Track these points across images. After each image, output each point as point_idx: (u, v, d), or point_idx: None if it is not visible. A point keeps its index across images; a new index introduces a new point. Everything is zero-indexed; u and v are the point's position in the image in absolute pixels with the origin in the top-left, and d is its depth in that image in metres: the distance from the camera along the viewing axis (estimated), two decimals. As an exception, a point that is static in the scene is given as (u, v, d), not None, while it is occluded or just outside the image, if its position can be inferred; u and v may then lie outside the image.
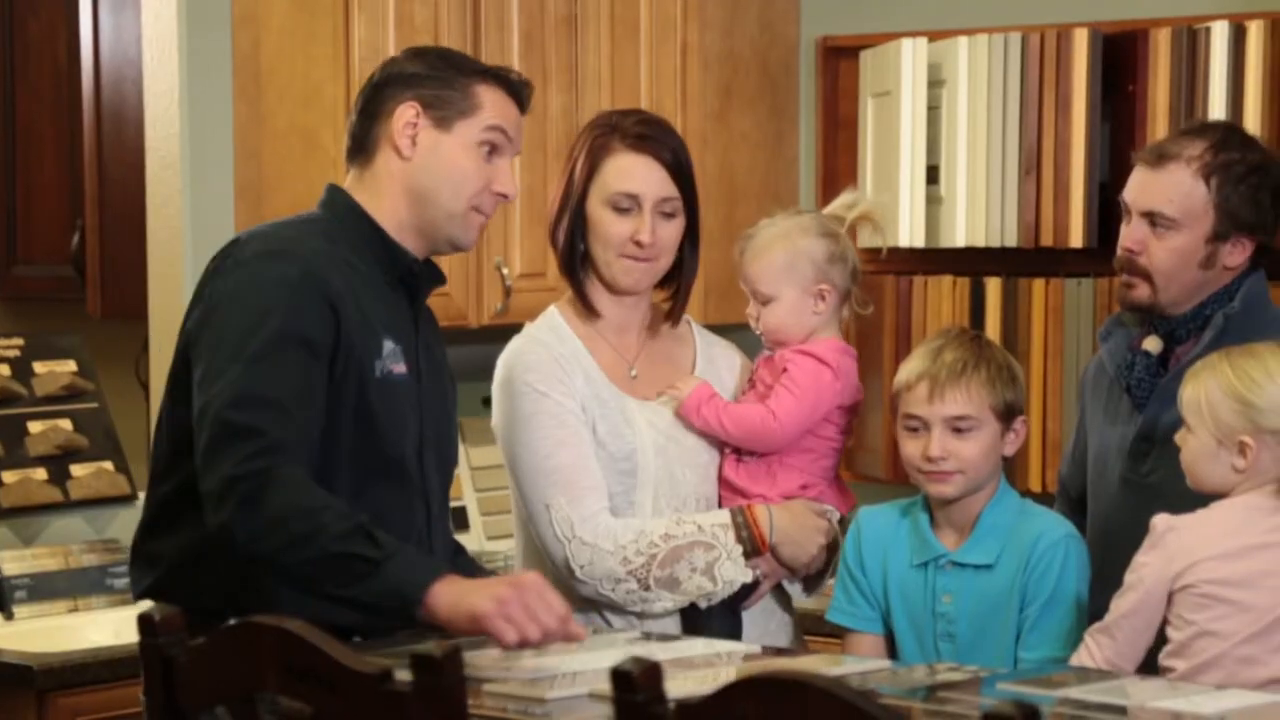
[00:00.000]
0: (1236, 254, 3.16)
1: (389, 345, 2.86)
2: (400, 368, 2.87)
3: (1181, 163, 3.13)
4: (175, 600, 2.80)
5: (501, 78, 2.93)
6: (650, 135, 3.19)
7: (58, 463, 4.15)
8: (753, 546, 3.15)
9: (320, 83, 4.10)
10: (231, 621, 2.37)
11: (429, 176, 2.89)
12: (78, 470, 4.18)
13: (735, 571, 3.14)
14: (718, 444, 3.25)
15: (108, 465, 4.19)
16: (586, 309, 3.22)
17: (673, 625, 3.14)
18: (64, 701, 3.61)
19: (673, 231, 3.20)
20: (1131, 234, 3.16)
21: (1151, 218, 3.14)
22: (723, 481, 3.26)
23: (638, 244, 3.16)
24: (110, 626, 3.91)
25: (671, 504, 3.20)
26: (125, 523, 4.12)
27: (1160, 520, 2.83)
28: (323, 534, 2.65)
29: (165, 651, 2.39)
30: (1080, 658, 2.87)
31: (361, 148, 2.93)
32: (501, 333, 4.34)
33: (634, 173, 3.17)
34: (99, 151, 4.92)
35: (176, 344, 2.88)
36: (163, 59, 4.22)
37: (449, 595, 2.64)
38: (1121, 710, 2.51)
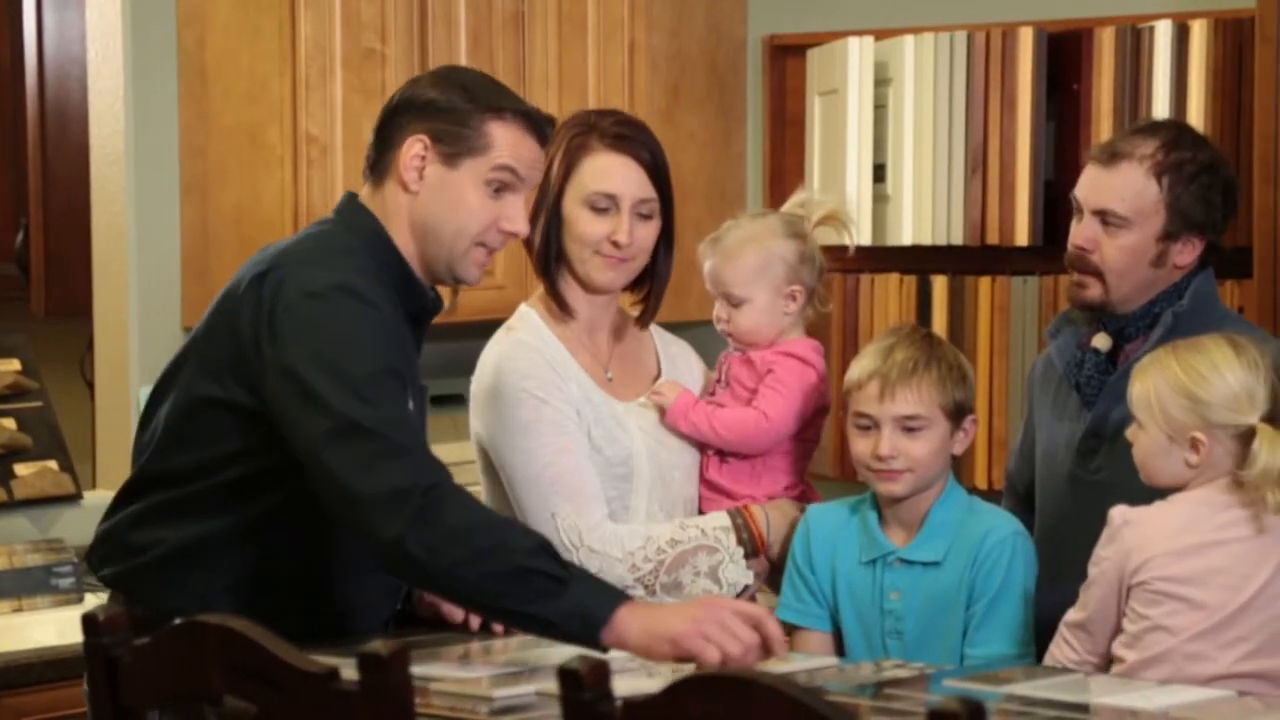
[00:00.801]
0: (1187, 253, 3.18)
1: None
2: (411, 404, 2.84)
3: (1134, 161, 3.14)
4: (145, 594, 2.80)
5: (519, 113, 2.86)
6: (629, 136, 3.19)
7: (1, 462, 4.12)
8: (752, 548, 3.16)
9: (266, 79, 4.08)
10: (176, 621, 2.36)
11: (433, 212, 2.85)
12: (22, 470, 4.15)
13: (738, 574, 3.15)
14: (699, 445, 3.25)
15: (52, 465, 4.16)
16: (562, 309, 3.21)
17: None
18: (8, 702, 3.59)
19: (649, 233, 3.19)
20: (1083, 232, 3.18)
21: (1103, 216, 3.16)
22: (706, 483, 3.26)
23: (615, 244, 3.15)
24: (54, 626, 3.89)
25: (664, 507, 3.20)
26: (70, 522, 4.09)
27: (1117, 513, 2.83)
28: (508, 548, 2.63)
29: (110, 651, 2.38)
30: (1058, 653, 2.86)
31: (375, 169, 2.90)
32: (451, 331, 4.33)
33: (613, 173, 3.16)
34: (43, 149, 4.89)
35: (212, 331, 2.82)
36: (107, 56, 4.20)
37: (640, 620, 2.62)
38: (1066, 706, 2.52)
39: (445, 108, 2.84)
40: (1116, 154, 3.15)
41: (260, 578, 2.81)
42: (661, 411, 3.23)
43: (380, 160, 2.88)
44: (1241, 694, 2.67)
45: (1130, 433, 2.90)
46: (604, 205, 3.16)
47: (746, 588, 3.17)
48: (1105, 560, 2.83)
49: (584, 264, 3.17)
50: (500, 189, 2.85)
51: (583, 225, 3.16)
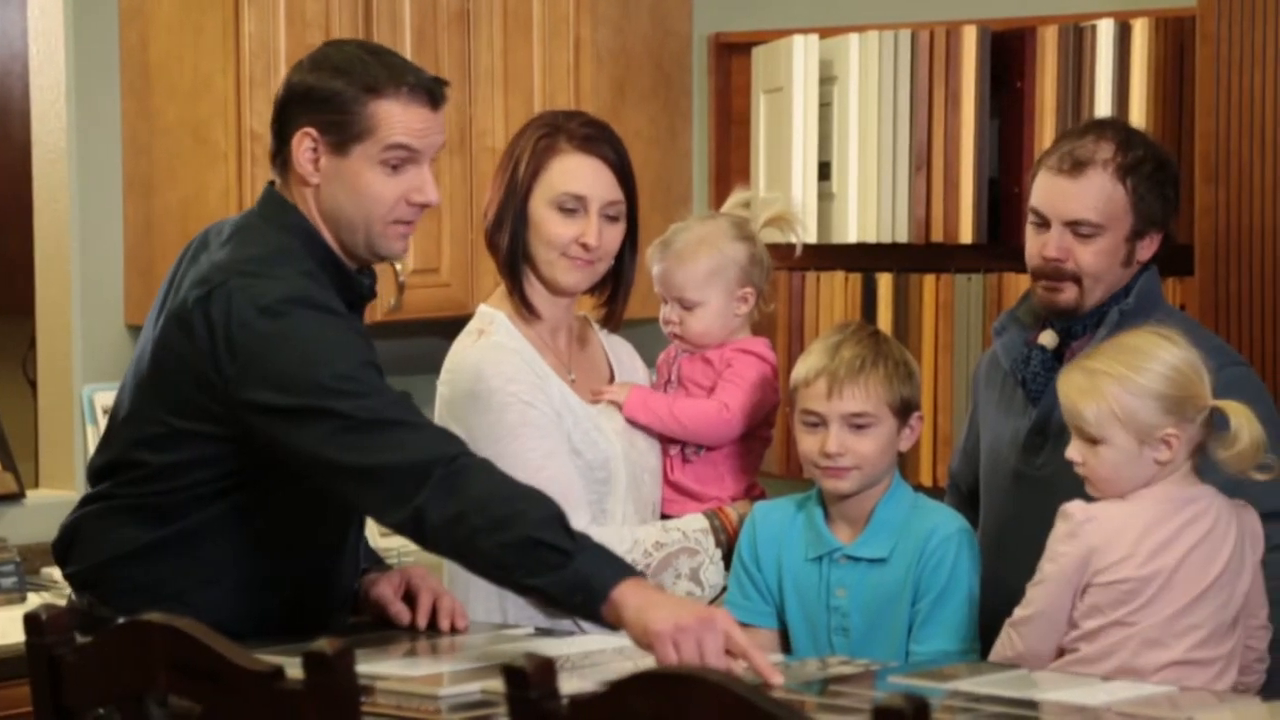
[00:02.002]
0: (1148, 249, 3.21)
1: None
2: None
3: (1098, 168, 3.15)
4: (106, 592, 2.79)
5: (400, 86, 2.81)
6: (597, 137, 3.17)
7: (-57, 462, 4.10)
8: (729, 549, 3.17)
9: (210, 76, 4.06)
10: (120, 620, 2.35)
11: (337, 202, 2.83)
12: (-37, 468, 4.13)
13: (718, 575, 3.16)
14: (662, 447, 3.25)
15: (-6, 463, 4.14)
16: (528, 310, 3.19)
17: None
18: (-50, 702, 3.56)
19: (616, 235, 3.18)
20: (1055, 243, 3.16)
21: (1076, 226, 3.16)
22: (670, 484, 3.26)
23: (583, 246, 3.14)
24: (-3, 626, 3.87)
25: (638, 509, 3.19)
26: (12, 522, 4.07)
27: (1077, 509, 2.81)
28: (523, 519, 2.62)
29: (52, 651, 2.36)
30: (1003, 650, 2.86)
31: (277, 165, 2.88)
32: (395, 329, 4.33)
33: (581, 174, 3.15)
34: (-16, 146, 4.86)
35: (161, 359, 2.79)
36: (49, 53, 4.17)
37: (636, 598, 2.60)
38: (1010, 702, 2.54)
39: (325, 96, 2.80)
40: (1080, 162, 3.15)
41: (224, 577, 2.80)
42: (618, 407, 3.23)
43: (279, 154, 2.86)
44: (1183, 689, 2.68)
45: (1084, 453, 2.84)
46: (572, 206, 3.14)
47: (724, 589, 3.18)
48: (1064, 556, 2.80)
49: (551, 266, 3.16)
50: (397, 166, 2.82)
51: (550, 227, 3.14)
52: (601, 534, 3.08)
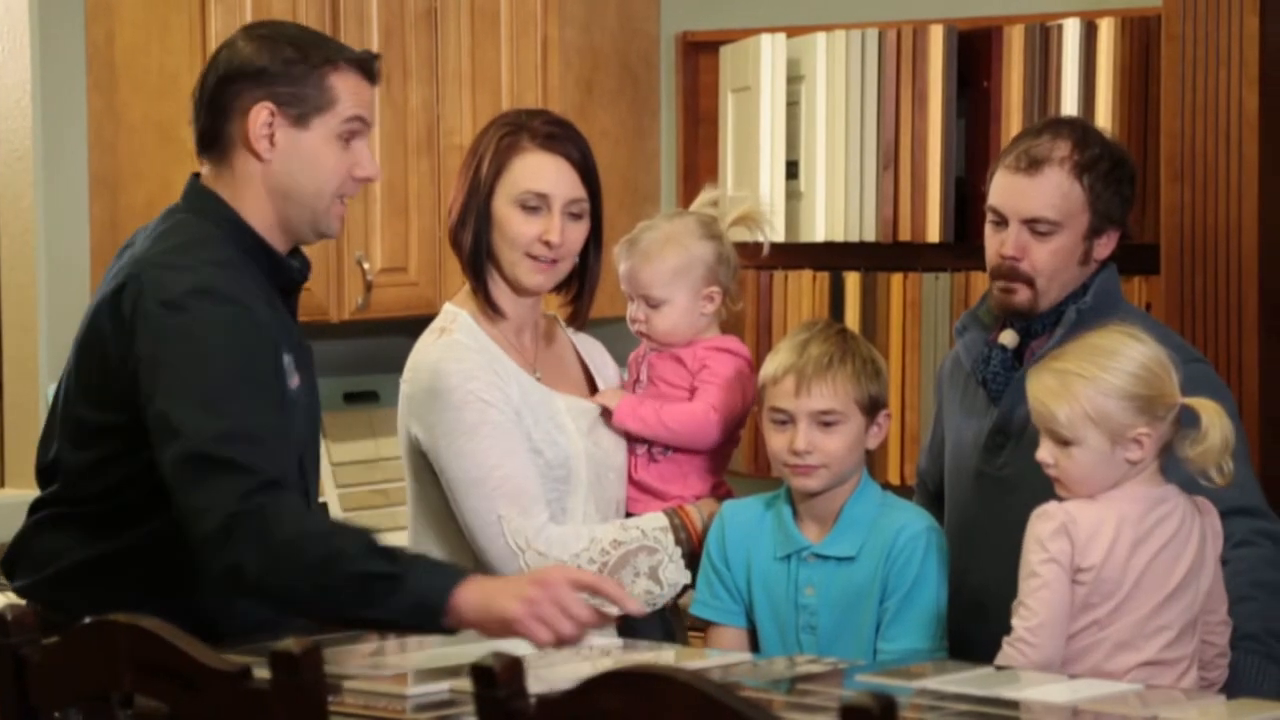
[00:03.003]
0: (1106, 246, 3.21)
1: (288, 359, 2.82)
2: (296, 380, 2.83)
3: (1055, 165, 3.16)
4: (59, 604, 2.77)
5: (351, 60, 2.87)
6: (560, 135, 3.17)
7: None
8: (690, 547, 3.17)
9: (176, 74, 4.05)
10: (86, 620, 2.34)
11: (291, 175, 2.84)
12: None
13: (678, 573, 3.15)
14: (629, 446, 3.25)
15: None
16: (492, 309, 3.19)
17: (609, 629, 3.12)
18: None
19: (579, 233, 3.18)
20: (1012, 241, 3.17)
21: (1033, 224, 3.17)
22: (634, 483, 3.26)
23: (546, 244, 3.14)
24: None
25: (600, 508, 3.19)
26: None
27: (1057, 510, 2.79)
28: (340, 557, 2.60)
29: (17, 650, 2.35)
30: (1013, 660, 2.79)
31: (214, 144, 2.87)
32: (362, 328, 4.32)
33: (544, 173, 3.15)
34: (-51, 144, 4.83)
35: (83, 351, 2.81)
36: (14, 50, 4.16)
37: (475, 598, 2.60)
38: (977, 700, 2.54)
39: (280, 71, 2.82)
40: (1036, 160, 3.16)
41: (167, 590, 2.77)
42: (607, 413, 3.23)
43: (221, 133, 2.85)
44: (1149, 686, 2.69)
45: (1056, 455, 2.82)
46: (535, 205, 3.14)
47: (686, 587, 3.18)
48: (1060, 554, 2.76)
49: (514, 266, 3.16)
50: (350, 138, 2.86)
51: (513, 225, 3.15)
52: (559, 532, 3.09)
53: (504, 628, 2.59)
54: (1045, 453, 2.83)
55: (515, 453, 3.09)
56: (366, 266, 4.26)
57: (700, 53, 4.73)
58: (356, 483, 4.45)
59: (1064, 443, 2.81)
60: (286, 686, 2.14)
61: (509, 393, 3.12)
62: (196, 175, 2.91)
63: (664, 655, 2.93)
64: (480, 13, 4.44)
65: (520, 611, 2.58)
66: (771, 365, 3.10)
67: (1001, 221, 3.20)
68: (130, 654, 2.24)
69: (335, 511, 4.45)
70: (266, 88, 2.82)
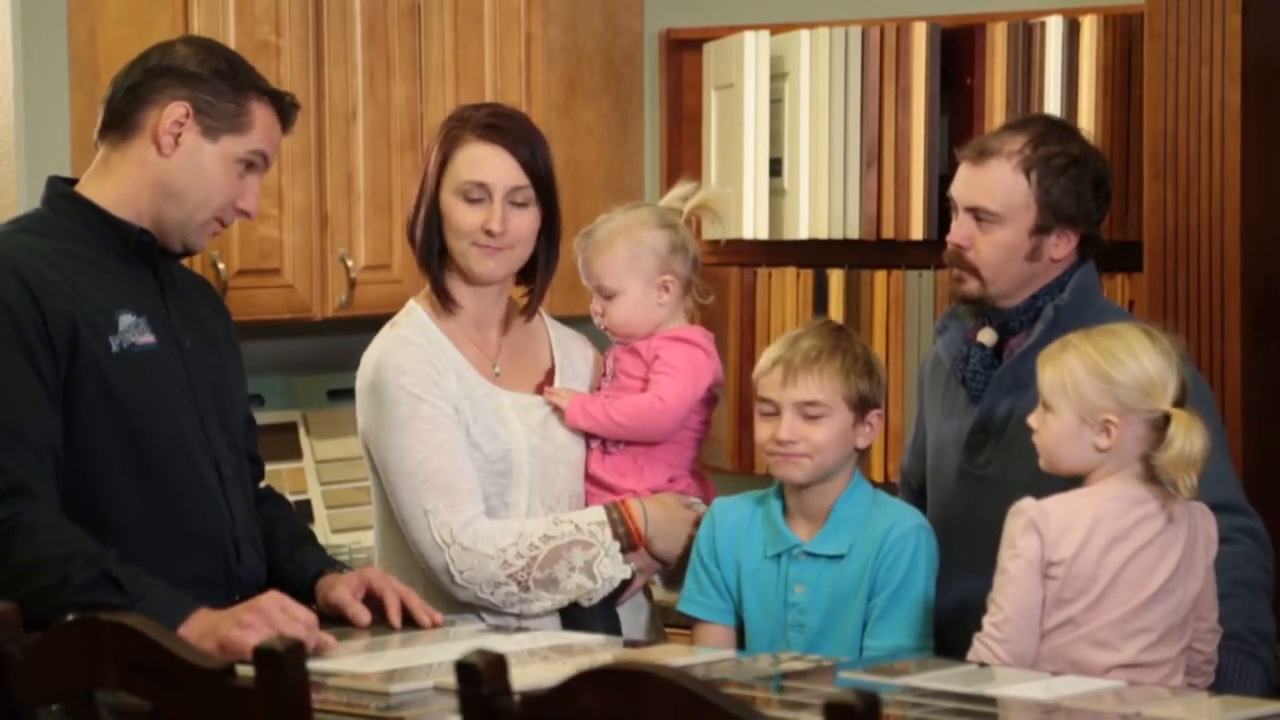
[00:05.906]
0: (1062, 246, 3.22)
1: (128, 319, 2.87)
2: (147, 338, 2.88)
3: (1002, 158, 3.18)
4: None
5: (277, 99, 2.96)
6: (499, 126, 3.19)
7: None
8: (629, 542, 3.17)
9: (159, 72, 4.04)
10: (70, 617, 2.33)
11: (180, 179, 2.91)
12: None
13: (614, 568, 3.15)
14: (585, 440, 3.25)
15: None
16: (446, 302, 3.21)
17: (553, 625, 3.13)
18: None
19: (525, 221, 3.19)
20: (959, 229, 3.22)
21: (976, 213, 3.20)
22: (588, 477, 3.26)
23: (488, 233, 3.16)
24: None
25: (545, 502, 3.19)
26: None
27: (1031, 506, 2.81)
28: (67, 587, 2.69)
29: (1, 648, 2.35)
30: (982, 656, 2.81)
31: (119, 126, 2.94)
32: (346, 325, 4.31)
33: (483, 162, 3.17)
34: (-69, 142, 4.82)
35: None
36: (-4, 48, 4.15)
37: (198, 628, 2.69)
38: (961, 697, 2.55)
39: (208, 79, 2.92)
40: (985, 151, 3.20)
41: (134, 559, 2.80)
42: (560, 414, 3.23)
43: (130, 119, 2.92)
44: (1131, 684, 2.70)
45: (1035, 418, 2.89)
46: (477, 195, 3.17)
47: (625, 582, 3.18)
48: (1027, 549, 2.79)
49: (463, 255, 3.18)
50: (248, 168, 2.94)
51: (458, 216, 3.18)
52: (488, 527, 3.10)
53: (223, 650, 2.65)
54: (1034, 416, 2.88)
55: (445, 447, 3.11)
56: (350, 264, 4.26)
57: (684, 50, 4.73)
58: (339, 480, 4.44)
59: (1046, 408, 2.85)
60: (269, 684, 2.13)
61: (446, 387, 3.14)
62: (53, 177, 2.99)
63: (651, 652, 2.93)
64: (464, 9, 4.44)
65: (234, 636, 2.67)
66: (763, 359, 3.14)
67: (957, 209, 3.23)
68: (114, 651, 2.24)
69: (319, 509, 4.45)
70: (190, 89, 2.91)
